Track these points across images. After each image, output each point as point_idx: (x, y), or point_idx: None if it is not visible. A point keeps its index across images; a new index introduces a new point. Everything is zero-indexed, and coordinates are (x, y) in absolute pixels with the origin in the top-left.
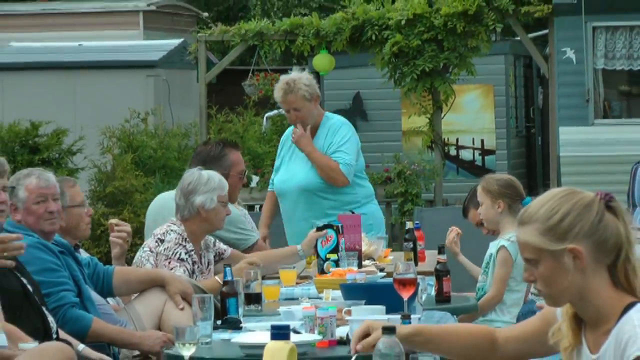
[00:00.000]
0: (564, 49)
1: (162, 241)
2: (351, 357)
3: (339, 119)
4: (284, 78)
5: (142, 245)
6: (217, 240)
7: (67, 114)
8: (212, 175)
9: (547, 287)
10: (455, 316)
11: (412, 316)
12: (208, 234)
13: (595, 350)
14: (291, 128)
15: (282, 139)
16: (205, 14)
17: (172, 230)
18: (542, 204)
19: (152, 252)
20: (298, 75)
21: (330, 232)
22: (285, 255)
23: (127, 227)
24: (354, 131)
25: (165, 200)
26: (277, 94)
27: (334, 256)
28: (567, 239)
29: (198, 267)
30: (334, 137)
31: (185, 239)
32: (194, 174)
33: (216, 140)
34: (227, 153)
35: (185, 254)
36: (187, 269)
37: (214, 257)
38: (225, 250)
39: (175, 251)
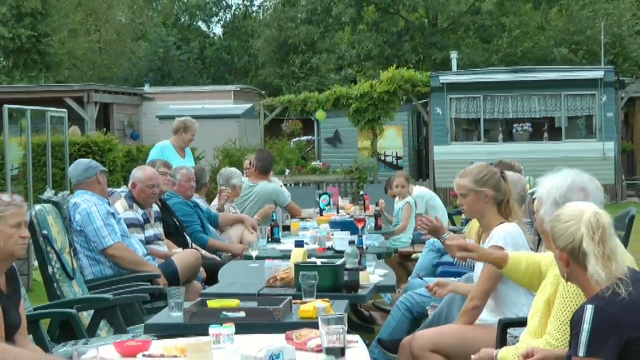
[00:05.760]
0: (436, 108)
1: None
2: (333, 258)
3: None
4: (190, 120)
5: None
6: None
7: (197, 140)
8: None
9: (469, 208)
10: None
11: (362, 236)
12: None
13: (484, 242)
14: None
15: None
16: (263, 92)
17: None
18: (473, 169)
19: None
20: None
21: (326, 196)
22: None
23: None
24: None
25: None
26: (194, 126)
27: (328, 208)
28: (485, 186)
29: None
30: None
31: None
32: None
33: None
34: (270, 155)
35: None
36: None
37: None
38: None
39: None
